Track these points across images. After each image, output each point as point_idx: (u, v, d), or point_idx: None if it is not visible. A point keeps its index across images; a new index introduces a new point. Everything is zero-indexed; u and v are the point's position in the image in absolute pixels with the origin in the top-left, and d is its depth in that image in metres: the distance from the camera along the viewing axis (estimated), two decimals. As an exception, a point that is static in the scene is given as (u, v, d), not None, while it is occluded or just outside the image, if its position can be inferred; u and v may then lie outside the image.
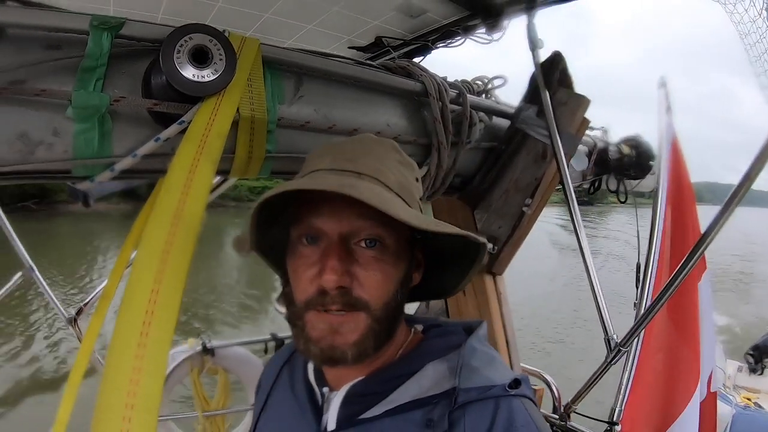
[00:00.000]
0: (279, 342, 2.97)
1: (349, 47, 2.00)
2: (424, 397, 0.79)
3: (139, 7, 1.60)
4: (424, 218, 0.78)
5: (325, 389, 0.88)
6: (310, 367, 0.94)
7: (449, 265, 0.91)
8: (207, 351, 2.91)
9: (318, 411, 0.87)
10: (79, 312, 2.32)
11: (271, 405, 1.01)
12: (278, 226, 0.84)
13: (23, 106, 0.85)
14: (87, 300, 2.32)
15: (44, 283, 2.35)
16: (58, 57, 0.87)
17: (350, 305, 0.75)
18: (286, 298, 0.82)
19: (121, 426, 0.61)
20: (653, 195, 2.08)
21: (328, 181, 0.76)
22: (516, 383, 0.77)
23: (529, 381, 0.82)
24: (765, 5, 1.34)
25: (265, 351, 3.02)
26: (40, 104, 0.86)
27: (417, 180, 0.89)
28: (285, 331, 2.97)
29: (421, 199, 0.89)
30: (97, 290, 2.29)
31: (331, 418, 0.84)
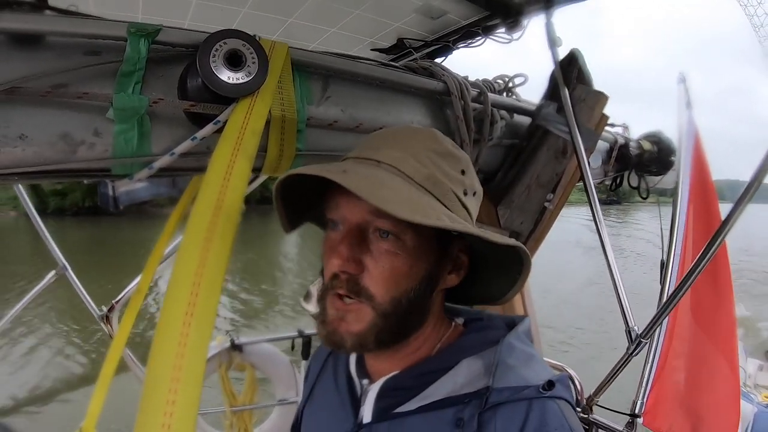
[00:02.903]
0: (306, 338, 3.00)
1: (372, 49, 2.03)
2: (457, 395, 0.77)
3: (167, 14, 1.65)
4: (435, 215, 0.73)
5: (365, 381, 0.88)
6: (352, 358, 0.94)
7: (492, 269, 0.88)
8: (235, 347, 2.96)
9: (356, 403, 0.88)
10: (111, 309, 2.38)
11: (315, 395, 1.02)
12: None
13: (66, 109, 0.90)
14: (119, 297, 2.37)
15: (77, 281, 2.43)
16: (98, 62, 0.92)
17: (356, 293, 0.76)
18: (322, 278, 0.83)
19: (163, 420, 0.63)
20: (674, 190, 2.07)
21: (333, 168, 0.74)
22: (550, 385, 0.74)
23: (568, 381, 0.78)
24: None
25: (292, 347, 3.06)
26: (82, 106, 0.91)
27: (463, 173, 0.84)
28: (312, 327, 3.01)
29: (466, 193, 0.84)
30: (128, 288, 2.33)
31: (367, 411, 0.84)
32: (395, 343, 0.81)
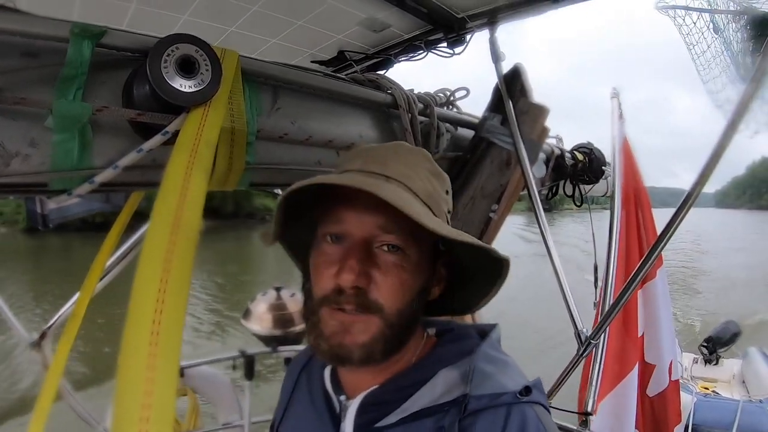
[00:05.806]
0: (248, 358, 2.90)
1: (312, 61, 2.02)
2: (436, 405, 0.78)
3: (104, 19, 1.57)
4: (448, 228, 0.78)
5: (342, 397, 0.88)
6: (327, 374, 0.93)
7: (471, 282, 0.91)
8: (174, 371, 2.79)
9: (335, 419, 0.87)
10: (43, 336, 2.20)
11: (291, 412, 1.01)
12: (305, 222, 0.85)
13: (0, 116, 0.82)
14: (51, 323, 2.20)
15: (4, 306, 2.27)
16: (37, 65, 0.85)
17: (364, 307, 0.76)
18: (305, 293, 0.83)
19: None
20: (610, 198, 2.17)
21: (356, 180, 0.75)
22: (527, 390, 0.77)
23: (542, 386, 0.82)
24: (711, 17, 1.43)
25: (233, 368, 2.95)
26: (18, 113, 0.83)
27: (447, 192, 0.88)
28: (254, 347, 2.92)
29: (449, 212, 0.89)
30: (60, 312, 2.17)
31: (348, 427, 0.84)
32: (396, 353, 0.82)
